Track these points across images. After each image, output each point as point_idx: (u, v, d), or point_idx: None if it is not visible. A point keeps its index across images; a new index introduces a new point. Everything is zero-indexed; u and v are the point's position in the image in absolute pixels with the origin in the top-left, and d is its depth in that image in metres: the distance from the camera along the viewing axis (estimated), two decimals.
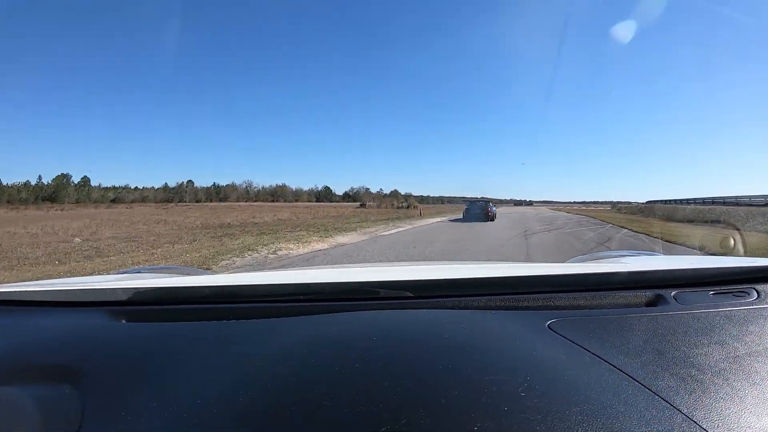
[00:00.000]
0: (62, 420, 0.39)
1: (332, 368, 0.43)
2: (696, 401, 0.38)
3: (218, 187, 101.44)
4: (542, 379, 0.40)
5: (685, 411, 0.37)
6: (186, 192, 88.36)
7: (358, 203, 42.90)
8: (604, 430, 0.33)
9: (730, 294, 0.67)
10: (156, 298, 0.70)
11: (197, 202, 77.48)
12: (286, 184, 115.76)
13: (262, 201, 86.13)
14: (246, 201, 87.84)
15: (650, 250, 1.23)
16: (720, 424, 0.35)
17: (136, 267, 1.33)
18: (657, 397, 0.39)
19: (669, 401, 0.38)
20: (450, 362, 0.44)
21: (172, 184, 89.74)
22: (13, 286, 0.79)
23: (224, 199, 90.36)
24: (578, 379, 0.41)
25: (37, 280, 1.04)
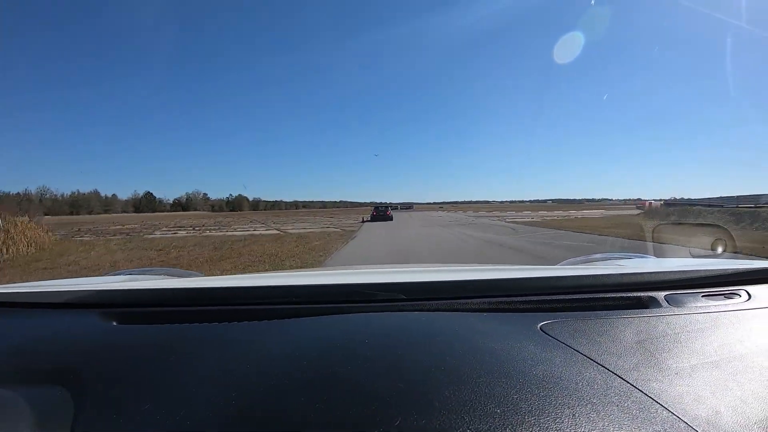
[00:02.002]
0: (55, 421, 0.39)
1: (325, 370, 0.44)
2: (687, 402, 0.39)
3: None
4: (535, 381, 0.41)
5: (676, 411, 0.37)
6: None
7: None
8: (597, 431, 0.34)
9: (721, 296, 0.68)
10: (149, 300, 0.71)
11: None
12: (98, 191, 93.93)
13: (54, 214, 66.69)
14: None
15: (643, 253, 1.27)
16: (710, 424, 0.36)
17: (127, 269, 1.34)
18: (648, 397, 0.39)
19: (660, 402, 0.38)
20: (443, 364, 0.44)
21: None
22: (5, 287, 0.79)
23: None
24: (570, 380, 0.41)
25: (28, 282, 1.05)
